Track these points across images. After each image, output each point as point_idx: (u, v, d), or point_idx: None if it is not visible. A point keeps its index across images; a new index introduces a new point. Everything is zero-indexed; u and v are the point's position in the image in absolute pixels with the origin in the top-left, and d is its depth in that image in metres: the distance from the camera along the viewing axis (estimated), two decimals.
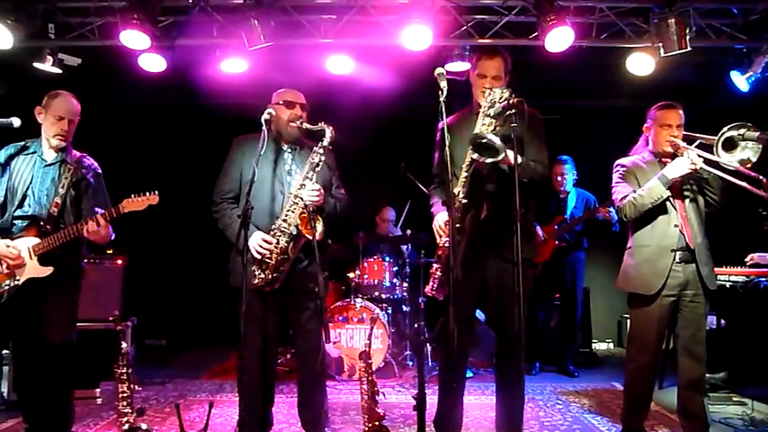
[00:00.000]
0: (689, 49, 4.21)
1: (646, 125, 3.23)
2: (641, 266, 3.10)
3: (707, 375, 4.45)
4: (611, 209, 4.93)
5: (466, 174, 2.85)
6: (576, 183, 5.37)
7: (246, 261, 2.82)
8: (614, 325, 6.76)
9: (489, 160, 2.71)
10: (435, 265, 2.98)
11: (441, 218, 2.95)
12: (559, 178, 5.28)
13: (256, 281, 2.96)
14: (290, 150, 3.14)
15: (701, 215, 3.09)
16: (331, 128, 3.03)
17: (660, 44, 4.29)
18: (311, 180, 2.97)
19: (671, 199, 3.01)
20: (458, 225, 2.81)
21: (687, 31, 4.19)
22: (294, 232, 2.93)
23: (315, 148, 3.00)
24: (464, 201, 2.85)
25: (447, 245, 2.82)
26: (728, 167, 2.87)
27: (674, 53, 4.23)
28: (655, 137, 3.15)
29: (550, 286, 5.34)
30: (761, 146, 2.80)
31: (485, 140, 2.68)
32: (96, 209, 3.02)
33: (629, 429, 3.18)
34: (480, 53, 3.09)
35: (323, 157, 3.00)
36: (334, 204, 3.19)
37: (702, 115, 3.37)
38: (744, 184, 2.84)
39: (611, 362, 5.95)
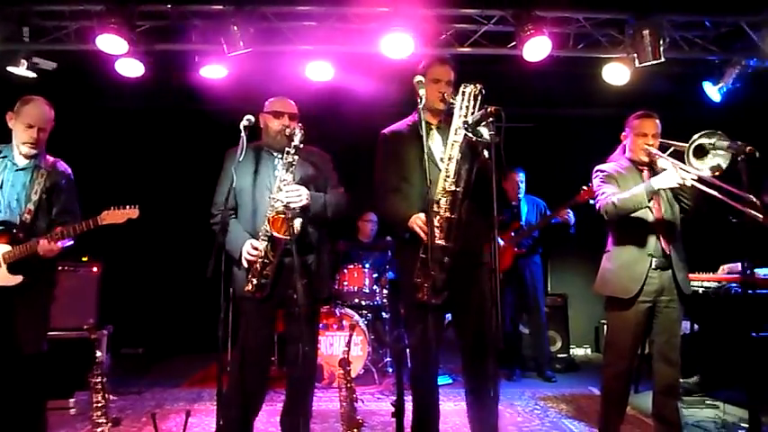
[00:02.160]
0: (663, 59, 4.32)
1: (623, 133, 3.28)
2: (619, 271, 3.14)
3: (681, 381, 4.58)
4: (569, 211, 5.05)
5: (450, 163, 2.86)
6: (536, 191, 5.53)
7: (227, 269, 2.80)
8: (592, 331, 6.83)
9: (485, 137, 2.63)
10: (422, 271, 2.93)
11: (420, 216, 2.87)
12: (517, 187, 5.41)
13: (248, 287, 2.96)
14: (279, 158, 3.13)
15: (676, 221, 3.15)
16: (300, 127, 3.01)
17: (635, 54, 4.39)
18: (286, 182, 2.97)
19: (649, 204, 3.06)
20: (454, 216, 2.82)
21: (661, 42, 4.31)
22: (269, 235, 2.93)
23: (287, 149, 3.00)
24: (456, 189, 2.84)
25: (443, 241, 2.81)
26: (706, 179, 2.92)
27: (648, 63, 4.34)
28: (631, 145, 3.21)
29: (512, 292, 5.40)
30: (731, 154, 2.86)
31: (474, 127, 2.68)
32: (57, 228, 2.96)
33: None
34: (432, 59, 3.13)
35: (295, 158, 2.99)
36: (323, 204, 3.14)
37: (676, 124, 3.43)
38: (714, 193, 2.89)
39: (588, 367, 6.01)
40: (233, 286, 3.03)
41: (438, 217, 2.83)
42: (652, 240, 3.08)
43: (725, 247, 3.94)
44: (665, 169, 3.00)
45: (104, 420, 2.61)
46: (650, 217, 3.09)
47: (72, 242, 3.08)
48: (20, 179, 3.04)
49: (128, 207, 3.03)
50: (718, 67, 4.79)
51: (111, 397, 2.69)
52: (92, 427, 2.63)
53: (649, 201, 3.01)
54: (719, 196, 2.85)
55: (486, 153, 2.76)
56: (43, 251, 2.91)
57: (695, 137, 2.89)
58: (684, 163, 2.93)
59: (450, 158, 2.88)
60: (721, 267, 4.46)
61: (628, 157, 3.25)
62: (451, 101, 2.91)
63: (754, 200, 2.72)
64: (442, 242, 2.81)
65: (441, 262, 2.80)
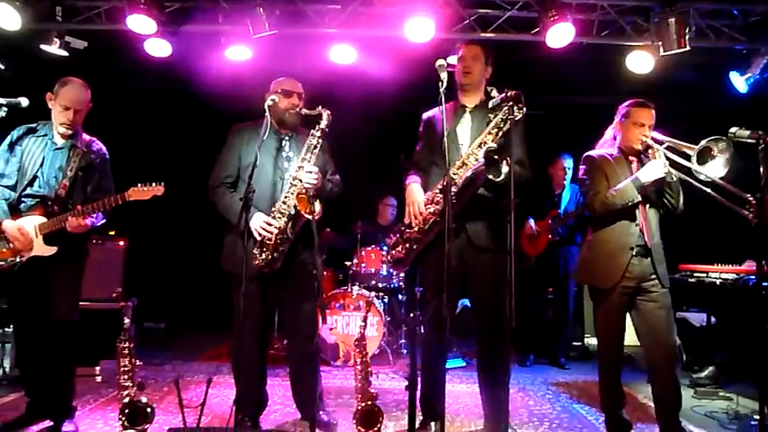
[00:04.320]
0: (688, 48, 4.27)
1: (616, 120, 3.23)
2: (600, 261, 3.12)
3: (694, 375, 4.58)
4: None
5: (464, 170, 2.97)
6: (572, 179, 5.44)
7: (246, 243, 2.89)
8: None
9: (491, 177, 2.83)
10: (394, 238, 3.21)
11: (418, 197, 3.09)
12: (563, 174, 5.38)
13: (257, 262, 3.04)
14: (287, 137, 3.22)
15: (658, 216, 3.14)
16: (328, 111, 3.10)
17: (660, 43, 4.35)
18: (309, 162, 3.04)
19: (639, 199, 3.03)
20: (438, 219, 2.97)
21: (687, 30, 4.26)
22: (293, 212, 3.01)
23: (312, 131, 3.07)
24: (455, 197, 2.94)
25: (416, 229, 3.05)
26: (700, 176, 2.90)
27: (673, 52, 4.29)
28: (626, 133, 3.15)
29: (544, 279, 5.45)
30: (730, 162, 2.84)
31: (496, 159, 2.80)
32: (78, 206, 3.07)
33: (610, 418, 3.24)
34: (462, 42, 3.29)
35: (320, 140, 3.07)
36: (330, 188, 3.27)
37: (700, 115, 3.41)
38: (709, 190, 2.89)
39: None
40: (231, 262, 3.09)
41: (436, 207, 2.99)
42: (636, 233, 3.06)
43: (744, 240, 3.93)
44: (652, 161, 2.99)
45: (130, 384, 2.73)
46: (635, 211, 3.06)
47: (104, 219, 3.20)
48: (57, 157, 3.16)
49: (153, 184, 3.13)
50: (746, 56, 4.71)
51: (137, 362, 2.79)
52: (118, 390, 2.74)
53: (640, 194, 2.99)
54: (713, 194, 2.86)
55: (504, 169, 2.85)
56: (71, 227, 3.03)
57: (703, 142, 2.85)
58: (689, 161, 2.89)
59: (464, 165, 2.99)
60: (746, 261, 4.41)
61: (619, 145, 3.20)
62: (489, 91, 3.00)
63: (750, 198, 2.71)
64: (414, 229, 3.07)
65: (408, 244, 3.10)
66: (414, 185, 3.15)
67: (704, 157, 2.85)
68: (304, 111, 3.13)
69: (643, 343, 3.14)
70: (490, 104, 2.95)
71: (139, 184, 3.12)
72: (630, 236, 3.05)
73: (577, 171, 3.31)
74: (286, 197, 3.06)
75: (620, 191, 3.01)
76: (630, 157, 3.17)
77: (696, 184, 2.92)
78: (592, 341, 6.70)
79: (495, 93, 2.96)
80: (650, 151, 3.05)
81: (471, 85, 3.17)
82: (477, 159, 2.95)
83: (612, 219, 3.09)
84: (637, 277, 3.05)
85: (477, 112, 3.17)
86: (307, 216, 2.95)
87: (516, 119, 2.80)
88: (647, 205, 3.09)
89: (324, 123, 3.07)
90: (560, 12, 4.17)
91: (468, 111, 3.17)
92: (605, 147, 3.27)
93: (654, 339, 3.08)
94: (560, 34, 4.26)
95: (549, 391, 4.50)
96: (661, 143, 3.03)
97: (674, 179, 2.99)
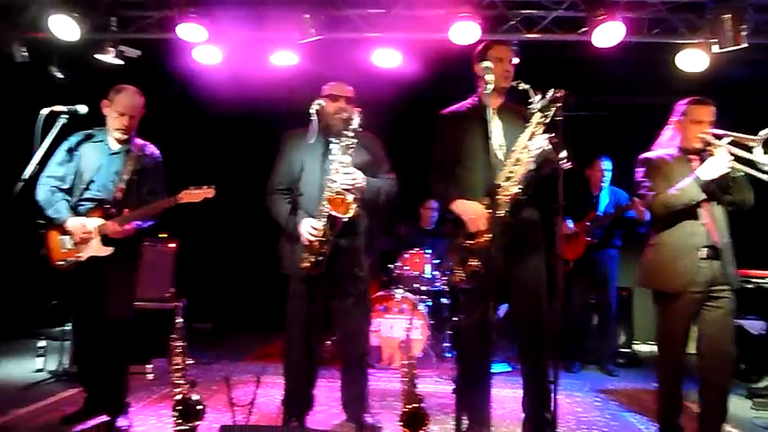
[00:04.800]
0: (744, 45, 4.12)
1: (674, 119, 3.15)
2: (666, 264, 3.02)
3: (752, 385, 4.40)
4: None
5: (519, 166, 2.87)
6: (619, 181, 5.32)
7: (294, 246, 2.95)
8: None
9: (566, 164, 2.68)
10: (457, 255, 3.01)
11: (475, 209, 2.94)
12: (601, 176, 5.27)
13: (304, 264, 3.08)
14: (334, 141, 3.24)
15: (726, 214, 3.02)
16: (359, 111, 3.10)
17: (714, 40, 4.21)
18: (344, 164, 3.06)
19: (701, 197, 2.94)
20: (509, 220, 2.85)
21: (743, 26, 4.10)
22: (329, 214, 3.04)
23: (345, 132, 3.08)
24: (521, 197, 2.87)
25: (485, 238, 2.85)
26: (765, 168, 2.79)
27: (728, 49, 4.15)
28: (685, 132, 3.07)
29: (582, 284, 5.31)
30: None
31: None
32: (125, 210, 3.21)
33: (665, 428, 3.15)
34: (489, 42, 3.19)
35: (354, 141, 3.08)
36: (378, 189, 3.23)
37: (756, 114, 3.28)
38: None
39: (652, 363, 5.78)
40: (286, 264, 3.16)
41: (490, 212, 2.86)
42: (702, 233, 2.96)
43: None
44: (713, 157, 2.88)
45: (183, 382, 2.80)
46: (699, 209, 2.96)
47: (154, 221, 3.31)
48: (113, 162, 3.29)
49: (204, 187, 3.22)
50: None
51: (189, 361, 2.87)
52: (171, 387, 2.82)
53: (701, 193, 2.89)
54: None
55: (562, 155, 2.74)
56: (109, 232, 3.15)
57: (764, 131, 2.75)
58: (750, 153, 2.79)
59: (518, 161, 2.89)
60: None
61: (678, 145, 3.11)
62: (526, 90, 2.91)
63: None
64: (487, 237, 2.86)
65: (480, 255, 2.85)
66: (462, 201, 3.02)
67: None
68: (344, 114, 3.15)
69: (701, 351, 3.04)
70: (538, 105, 2.89)
71: (191, 187, 3.21)
72: (696, 236, 2.96)
73: (633, 174, 3.22)
74: (324, 200, 3.10)
75: (681, 190, 2.91)
76: (691, 156, 3.07)
77: (762, 176, 2.79)
78: (641, 348, 6.54)
79: (522, 85, 2.90)
80: (710, 148, 2.95)
81: (507, 88, 3.11)
82: (530, 151, 2.87)
83: (675, 219, 2.99)
84: (706, 281, 2.95)
85: (505, 111, 3.11)
86: (340, 216, 2.97)
87: (562, 117, 2.74)
88: (714, 203, 2.99)
89: (355, 124, 3.08)
90: (609, 10, 4.09)
91: (495, 113, 3.12)
92: (663, 147, 3.19)
93: (714, 350, 2.98)
94: (609, 33, 4.17)
95: (598, 398, 4.40)
96: (720, 138, 2.93)
97: (740, 174, 2.89)
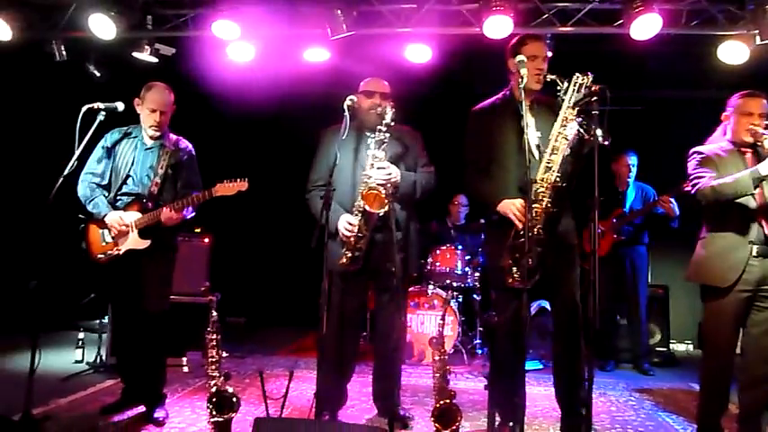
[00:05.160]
0: None
1: (725, 113, 3.07)
2: (715, 258, 2.95)
3: None
4: (673, 199, 4.77)
5: (556, 155, 2.82)
6: (646, 176, 5.25)
7: (326, 241, 2.97)
8: (695, 326, 6.44)
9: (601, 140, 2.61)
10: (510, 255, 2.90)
11: (519, 207, 2.84)
12: (627, 171, 5.18)
13: (342, 260, 3.11)
14: (371, 136, 3.24)
15: None
16: (392, 106, 3.10)
17: (756, 31, 4.09)
18: (379, 159, 3.06)
19: (754, 192, 2.85)
20: (555, 210, 2.81)
21: None
22: (362, 210, 3.04)
23: (379, 127, 3.08)
24: (560, 184, 2.81)
25: (531, 233, 2.77)
26: None
27: None
28: (735, 125, 3.00)
29: (610, 281, 5.15)
30: None
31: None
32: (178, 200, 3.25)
33: (703, 429, 3.07)
34: (524, 36, 3.06)
35: (386, 135, 3.07)
36: (413, 183, 3.23)
37: None
38: None
39: (689, 363, 5.72)
40: (328, 259, 3.18)
41: (536, 206, 2.81)
42: (753, 227, 2.88)
43: None
44: None
45: (218, 374, 2.84)
46: (751, 202, 2.87)
47: (194, 213, 3.37)
48: (148, 157, 3.36)
49: (238, 180, 3.26)
50: None
51: (223, 354, 2.91)
52: (206, 379, 2.87)
53: (756, 188, 2.81)
54: None
55: (598, 132, 2.67)
56: (165, 218, 3.22)
57: None
58: None
59: (554, 150, 2.83)
60: None
61: (729, 138, 3.03)
62: (553, 80, 2.87)
63: None
64: (537, 232, 2.80)
65: (534, 251, 2.78)
66: (506, 201, 2.91)
67: None
68: (379, 110, 3.15)
69: (745, 350, 2.98)
70: (572, 100, 2.84)
71: (225, 180, 3.26)
72: (748, 229, 2.89)
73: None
74: (359, 195, 3.10)
75: (735, 179, 2.82)
76: (744, 150, 2.99)
77: None
78: (678, 347, 6.40)
79: (549, 76, 2.86)
80: (760, 140, 2.87)
81: (539, 90, 3.02)
82: (566, 138, 2.82)
83: (728, 214, 2.92)
84: (756, 280, 2.88)
85: (537, 106, 3.04)
86: (374, 212, 2.98)
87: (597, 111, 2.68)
88: (766, 193, 2.90)
89: (388, 118, 3.07)
90: (646, 2, 3.99)
91: (528, 106, 3.06)
92: (716, 141, 3.11)
93: (759, 349, 2.91)
94: (646, 26, 4.07)
95: (632, 397, 4.32)
96: None
97: None
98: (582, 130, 2.73)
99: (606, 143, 2.60)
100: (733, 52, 4.35)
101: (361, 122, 3.24)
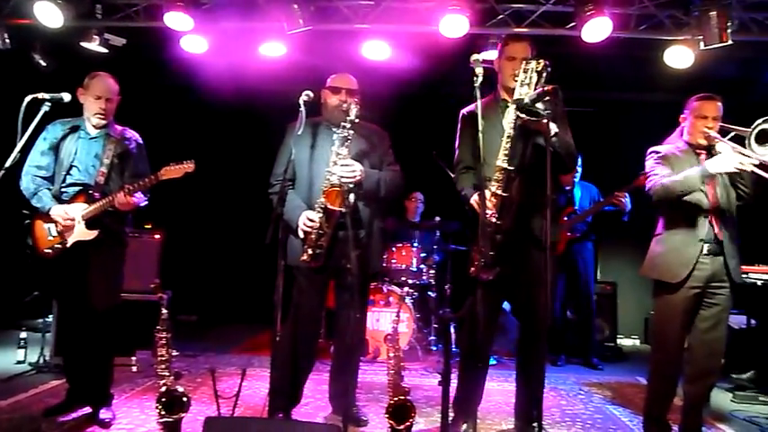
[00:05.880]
0: (730, 42, 4.15)
1: (682, 115, 3.19)
2: (668, 254, 3.06)
3: (734, 375, 4.46)
4: (627, 195, 4.95)
5: (508, 139, 2.85)
6: (602, 177, 5.43)
7: (286, 237, 2.94)
8: (641, 321, 6.69)
9: (542, 118, 2.66)
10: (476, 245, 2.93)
11: (476, 194, 2.92)
12: (574, 171, 5.29)
13: (304, 257, 3.07)
14: (337, 132, 3.19)
15: (731, 207, 3.05)
16: (356, 102, 3.10)
17: (700, 37, 4.24)
18: (342, 156, 3.05)
19: (703, 188, 2.98)
20: (506, 194, 2.84)
21: (729, 24, 4.13)
22: (324, 207, 3.03)
23: (342, 124, 3.07)
24: (508, 168, 2.84)
25: (494, 218, 2.82)
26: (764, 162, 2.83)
27: (714, 46, 4.18)
28: (690, 127, 3.11)
29: (564, 278, 5.34)
30: None
31: (528, 105, 2.69)
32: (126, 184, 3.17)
33: (649, 420, 3.18)
34: (507, 38, 3.16)
35: (351, 132, 3.06)
36: (377, 181, 3.21)
37: (742, 111, 3.31)
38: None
39: (636, 358, 5.91)
40: (288, 255, 3.15)
41: (490, 195, 2.85)
42: (704, 225, 2.99)
43: None
44: (721, 153, 2.93)
45: (167, 373, 2.77)
46: (704, 201, 2.99)
47: (146, 201, 3.28)
48: (93, 146, 3.26)
49: (184, 162, 3.19)
50: None
51: (174, 352, 2.84)
52: (156, 379, 2.80)
53: (703, 184, 2.93)
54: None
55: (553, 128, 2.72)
56: (119, 203, 3.12)
57: (759, 121, 2.80)
58: (746, 148, 2.84)
59: (508, 137, 2.89)
60: None
61: (685, 140, 3.15)
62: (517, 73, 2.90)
63: None
64: (493, 219, 2.84)
65: (492, 239, 2.82)
66: (475, 196, 2.97)
67: (765, 138, 2.81)
68: (344, 106, 3.13)
69: (691, 344, 3.08)
70: (527, 99, 2.88)
71: (171, 163, 3.18)
72: (700, 228, 2.99)
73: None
74: (321, 192, 3.08)
75: (684, 177, 2.93)
76: (698, 151, 3.10)
77: (763, 173, 2.81)
78: (625, 342, 6.61)
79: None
80: (712, 143, 3.00)
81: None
82: (509, 124, 2.87)
83: (680, 212, 3.03)
84: (706, 277, 2.99)
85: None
86: (335, 209, 2.96)
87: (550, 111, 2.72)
88: (718, 193, 3.02)
89: (352, 114, 3.06)
90: (597, 6, 4.10)
91: (510, 104, 3.10)
92: (672, 142, 3.22)
93: (704, 344, 3.04)
94: (597, 29, 4.19)
95: (582, 391, 4.44)
96: (726, 133, 2.98)
97: (748, 168, 2.90)
98: (522, 114, 2.77)
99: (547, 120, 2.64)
100: (679, 56, 4.51)
101: (328, 119, 3.22)
